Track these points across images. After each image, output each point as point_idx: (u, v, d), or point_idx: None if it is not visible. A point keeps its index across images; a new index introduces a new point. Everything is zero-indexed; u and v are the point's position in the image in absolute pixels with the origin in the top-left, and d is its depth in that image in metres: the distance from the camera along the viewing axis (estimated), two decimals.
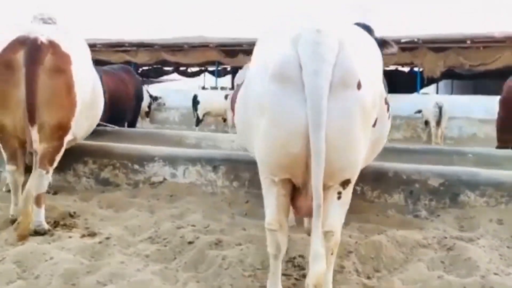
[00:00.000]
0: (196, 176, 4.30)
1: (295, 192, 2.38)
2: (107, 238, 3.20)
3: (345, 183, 2.28)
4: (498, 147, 6.52)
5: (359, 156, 2.25)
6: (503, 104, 6.77)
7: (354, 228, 3.49)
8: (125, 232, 3.37)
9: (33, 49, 3.33)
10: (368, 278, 2.85)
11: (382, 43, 4.67)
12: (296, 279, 2.82)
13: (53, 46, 3.42)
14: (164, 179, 4.40)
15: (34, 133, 3.25)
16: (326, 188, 2.28)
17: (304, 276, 2.85)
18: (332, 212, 2.30)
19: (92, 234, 3.30)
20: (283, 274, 2.81)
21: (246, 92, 2.55)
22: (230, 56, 18.40)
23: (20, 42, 3.36)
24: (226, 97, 15.76)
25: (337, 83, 2.06)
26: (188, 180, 4.32)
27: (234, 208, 3.98)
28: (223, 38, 18.83)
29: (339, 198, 2.31)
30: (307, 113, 2.05)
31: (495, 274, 2.69)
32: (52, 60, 3.39)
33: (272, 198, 2.32)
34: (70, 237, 3.25)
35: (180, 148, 4.86)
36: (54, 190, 4.44)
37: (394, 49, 4.59)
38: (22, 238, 3.18)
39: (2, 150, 3.55)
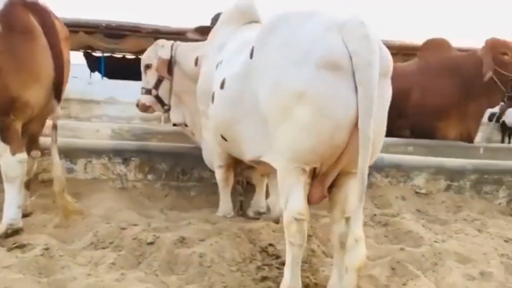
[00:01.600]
0: (101, 171, 3.79)
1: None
2: (46, 249, 2.59)
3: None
4: None
5: None
6: None
7: None
8: (57, 240, 2.80)
9: (44, 14, 2.83)
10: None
11: None
12: (277, 268, 2.78)
13: (49, 10, 2.92)
14: None
15: (59, 110, 2.94)
16: (348, 174, 2.35)
17: (282, 263, 2.85)
18: (352, 197, 2.38)
19: (21, 246, 2.64)
20: (264, 265, 2.79)
21: (249, 82, 2.42)
22: None
23: (20, 4, 2.77)
24: None
25: (380, 73, 2.13)
26: (90, 176, 3.77)
27: (155, 202, 3.67)
28: None
29: None
30: (357, 101, 2.07)
31: (436, 242, 3.16)
32: (60, 27, 2.96)
33: (300, 187, 2.25)
34: None
35: (80, 138, 4.19)
36: None
37: None
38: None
39: (6, 139, 2.83)
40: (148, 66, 3.94)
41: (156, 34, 10.87)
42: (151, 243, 2.81)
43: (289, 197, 2.29)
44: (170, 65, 3.83)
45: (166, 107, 3.96)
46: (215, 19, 5.39)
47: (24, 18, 2.78)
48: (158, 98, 3.92)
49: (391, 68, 2.24)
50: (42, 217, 3.17)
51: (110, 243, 2.84)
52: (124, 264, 2.60)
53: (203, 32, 5.29)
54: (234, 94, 2.58)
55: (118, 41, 11.23)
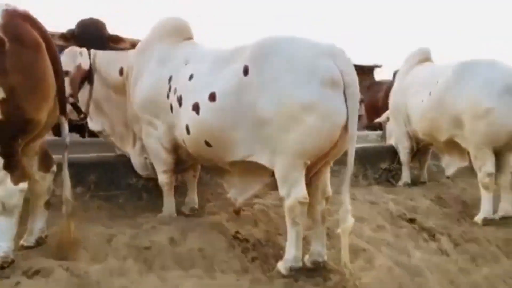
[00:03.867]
0: None
1: None
2: (66, 269, 2.58)
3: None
4: None
5: None
6: None
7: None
8: (58, 260, 2.72)
9: (39, 25, 2.61)
10: None
11: (116, 39, 5.15)
12: (253, 249, 3.32)
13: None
14: None
15: (66, 127, 2.86)
16: (327, 163, 3.09)
17: (254, 245, 3.40)
18: (328, 181, 3.13)
19: (37, 272, 2.52)
20: (244, 249, 3.30)
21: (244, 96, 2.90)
22: None
23: (19, 15, 2.54)
24: None
25: None
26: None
27: (93, 214, 3.66)
28: None
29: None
30: (347, 110, 2.83)
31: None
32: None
33: (302, 178, 2.89)
34: (17, 283, 2.38)
35: None
36: None
37: (127, 44, 5.16)
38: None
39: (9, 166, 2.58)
40: (66, 73, 3.77)
41: None
42: (148, 248, 3.00)
43: (292, 186, 2.89)
44: (90, 73, 3.80)
45: (82, 116, 3.89)
46: (80, 25, 5.28)
47: (29, 31, 2.57)
48: (75, 106, 3.81)
49: None
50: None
51: (106, 255, 2.91)
52: (144, 269, 2.78)
53: (67, 39, 5.13)
54: (227, 105, 3.00)
55: None
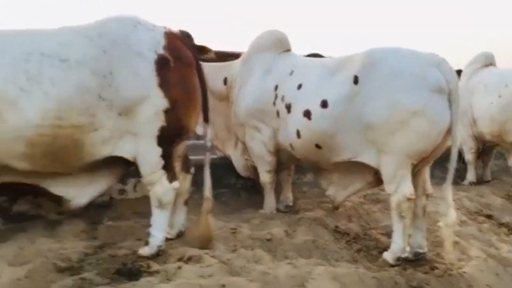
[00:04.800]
0: None
1: None
2: (213, 257, 2.99)
3: None
4: None
5: None
6: None
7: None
8: (202, 251, 3.10)
9: (190, 44, 3.03)
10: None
11: (202, 49, 5.56)
12: (354, 242, 3.66)
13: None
14: (111, 198, 3.78)
15: (210, 132, 3.27)
16: (427, 163, 3.40)
17: (354, 238, 3.73)
18: (428, 179, 3.44)
19: (190, 258, 2.92)
20: (347, 241, 3.63)
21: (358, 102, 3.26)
22: None
23: (175, 35, 2.99)
24: None
25: None
26: (140, 194, 3.90)
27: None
28: None
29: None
30: (451, 114, 3.14)
31: None
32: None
33: (409, 176, 3.22)
34: (179, 267, 2.77)
35: None
36: None
37: (212, 54, 5.55)
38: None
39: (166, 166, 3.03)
40: None
41: None
42: (269, 240, 3.38)
43: (400, 183, 3.22)
44: None
45: None
46: None
47: (185, 50, 3.03)
48: None
49: None
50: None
51: (235, 245, 3.29)
52: (271, 257, 3.14)
53: None
54: (338, 111, 3.36)
55: None
